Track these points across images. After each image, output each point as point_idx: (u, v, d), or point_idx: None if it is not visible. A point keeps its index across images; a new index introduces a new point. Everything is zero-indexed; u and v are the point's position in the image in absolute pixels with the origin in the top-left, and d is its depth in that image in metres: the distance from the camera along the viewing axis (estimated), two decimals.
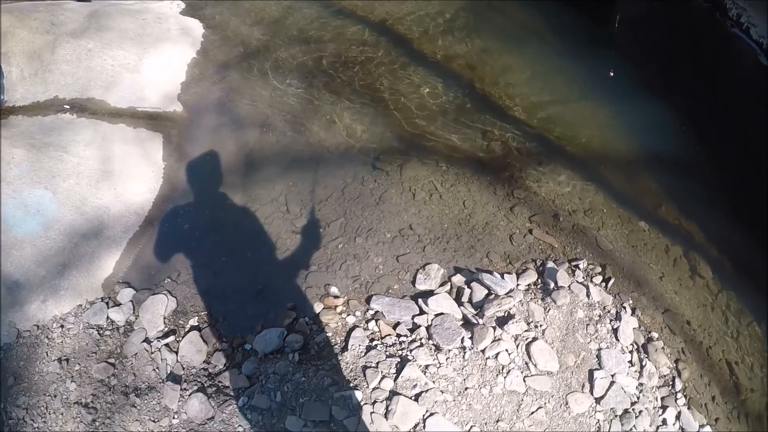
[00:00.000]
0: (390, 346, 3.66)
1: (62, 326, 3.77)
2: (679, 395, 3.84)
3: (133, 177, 4.61)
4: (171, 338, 3.72)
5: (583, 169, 5.40)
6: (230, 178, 4.81)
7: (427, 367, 3.55)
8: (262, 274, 4.11)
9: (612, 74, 6.05)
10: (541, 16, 7.67)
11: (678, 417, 3.74)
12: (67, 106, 5.06)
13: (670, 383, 3.90)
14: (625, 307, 4.20)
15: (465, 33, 7.00)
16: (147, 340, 3.72)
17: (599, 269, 4.46)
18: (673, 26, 8.42)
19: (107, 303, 3.90)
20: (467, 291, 4.03)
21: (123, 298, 3.93)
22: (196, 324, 3.80)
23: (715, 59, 7.75)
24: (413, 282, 4.11)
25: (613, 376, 3.73)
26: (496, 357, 3.61)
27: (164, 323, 3.81)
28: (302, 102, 5.69)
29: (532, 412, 3.49)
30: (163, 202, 4.56)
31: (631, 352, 3.93)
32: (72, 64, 5.37)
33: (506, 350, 3.64)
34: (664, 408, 3.74)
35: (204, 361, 3.66)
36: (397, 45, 6.66)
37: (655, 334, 4.14)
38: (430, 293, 3.99)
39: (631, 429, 3.57)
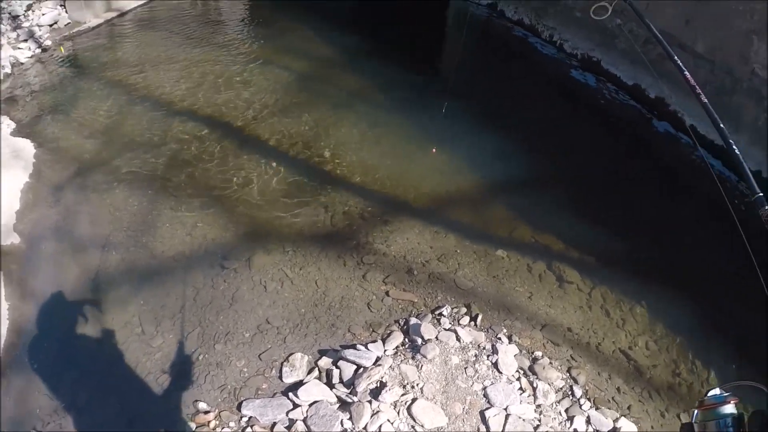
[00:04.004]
0: None
1: None
2: (583, 400, 3.86)
3: None
4: None
5: (430, 217, 5.53)
6: (80, 308, 4.47)
7: None
8: (128, 403, 3.83)
9: (434, 150, 6.20)
10: (371, 79, 8.08)
11: (588, 421, 3.73)
12: None
13: (569, 393, 3.91)
14: (500, 338, 4.21)
15: (297, 111, 7.17)
16: None
17: (464, 310, 4.50)
18: (493, 58, 9.26)
19: None
20: (336, 371, 3.91)
21: None
22: None
23: (535, 78, 8.60)
24: (280, 377, 3.93)
25: (506, 409, 3.67)
26: (380, 430, 3.47)
27: None
28: (142, 212, 5.47)
29: None
30: (11, 347, 4.17)
31: (518, 379, 3.91)
32: None
33: (388, 420, 3.52)
34: (571, 419, 3.73)
35: None
36: (230, 135, 6.65)
37: (538, 353, 4.16)
38: (300, 384, 3.81)
39: None
